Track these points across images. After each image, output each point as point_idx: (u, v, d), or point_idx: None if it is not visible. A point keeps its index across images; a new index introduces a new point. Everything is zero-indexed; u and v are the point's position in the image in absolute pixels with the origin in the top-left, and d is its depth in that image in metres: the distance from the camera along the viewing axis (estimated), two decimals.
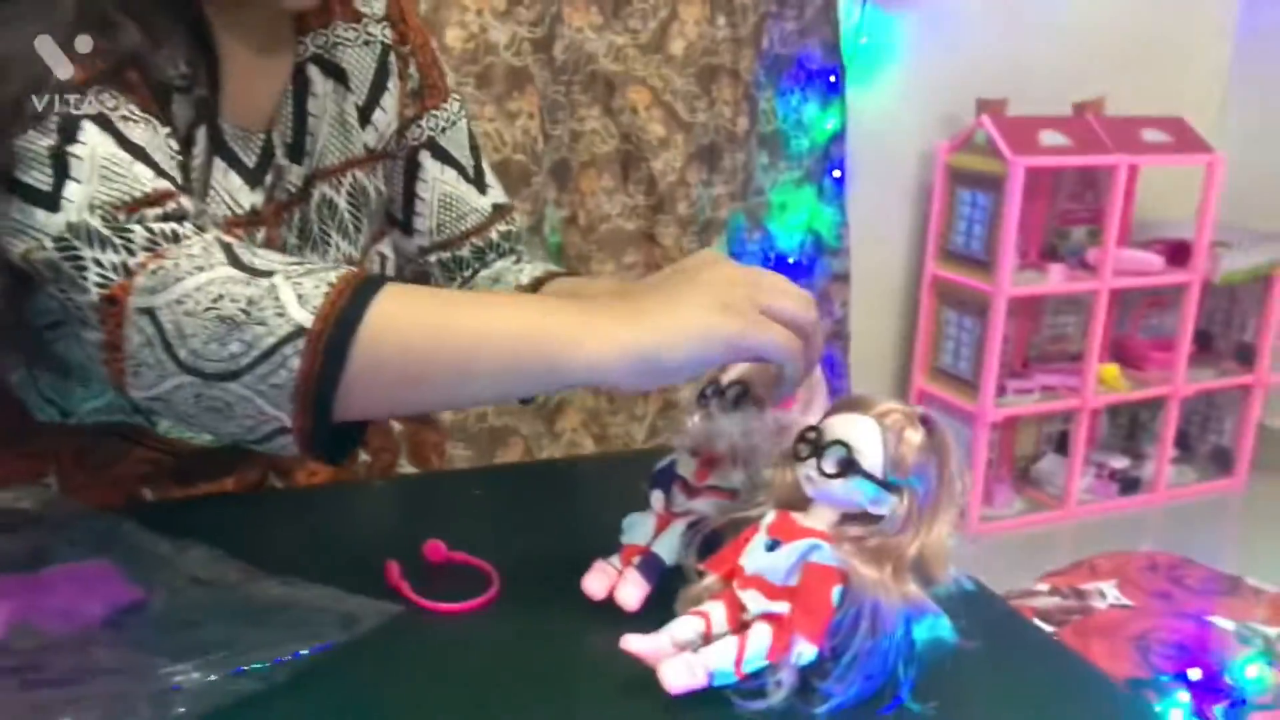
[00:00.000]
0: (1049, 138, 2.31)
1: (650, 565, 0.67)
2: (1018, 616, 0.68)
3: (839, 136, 2.30)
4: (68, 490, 0.85)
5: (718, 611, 0.62)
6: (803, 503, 0.64)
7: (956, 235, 2.42)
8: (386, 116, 0.93)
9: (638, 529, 0.70)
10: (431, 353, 0.62)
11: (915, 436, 0.61)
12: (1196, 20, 2.72)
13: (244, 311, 0.60)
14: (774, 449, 0.69)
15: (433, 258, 1.00)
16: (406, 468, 1.03)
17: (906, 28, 2.38)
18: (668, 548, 0.68)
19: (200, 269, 0.61)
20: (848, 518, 0.62)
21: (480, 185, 1.00)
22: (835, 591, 0.60)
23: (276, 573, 0.70)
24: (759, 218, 2.28)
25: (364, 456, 1.00)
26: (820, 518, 0.63)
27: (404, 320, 0.62)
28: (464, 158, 0.99)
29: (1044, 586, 1.07)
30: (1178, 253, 2.51)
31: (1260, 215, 2.55)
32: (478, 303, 0.67)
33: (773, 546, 0.62)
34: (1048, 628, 0.69)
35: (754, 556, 0.63)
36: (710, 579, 0.64)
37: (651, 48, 2.05)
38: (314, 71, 0.88)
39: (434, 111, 0.97)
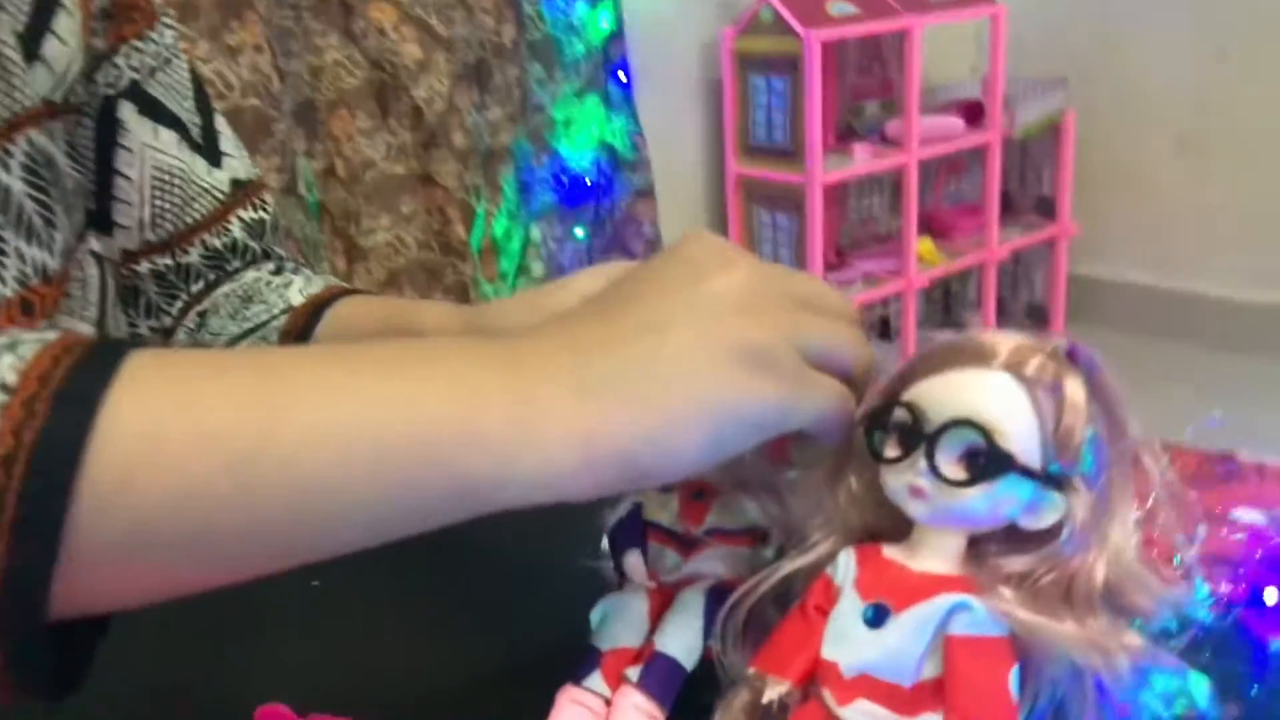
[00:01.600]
0: (837, 8, 2.13)
1: (660, 676, 0.40)
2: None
3: (617, 36, 2.03)
4: None
5: None
6: (894, 528, 0.39)
7: (755, 127, 2.22)
8: (66, 49, 0.59)
9: (622, 622, 0.42)
10: (241, 489, 0.31)
11: (1078, 391, 0.37)
12: None
13: None
14: (802, 457, 0.43)
15: (144, 266, 0.65)
16: None
17: None
18: (682, 639, 0.41)
19: None
20: (980, 541, 0.38)
21: (212, 153, 0.66)
22: (1012, 678, 0.35)
23: None
24: (544, 139, 1.99)
25: None
26: (939, 551, 0.38)
27: (177, 430, 0.31)
28: (184, 111, 0.65)
29: None
30: (972, 113, 2.41)
31: (1033, 64, 2.49)
32: (319, 372, 0.34)
33: (877, 617, 0.37)
34: None
35: (848, 640, 0.37)
36: (779, 689, 0.38)
37: None
38: None
39: (136, 43, 0.63)
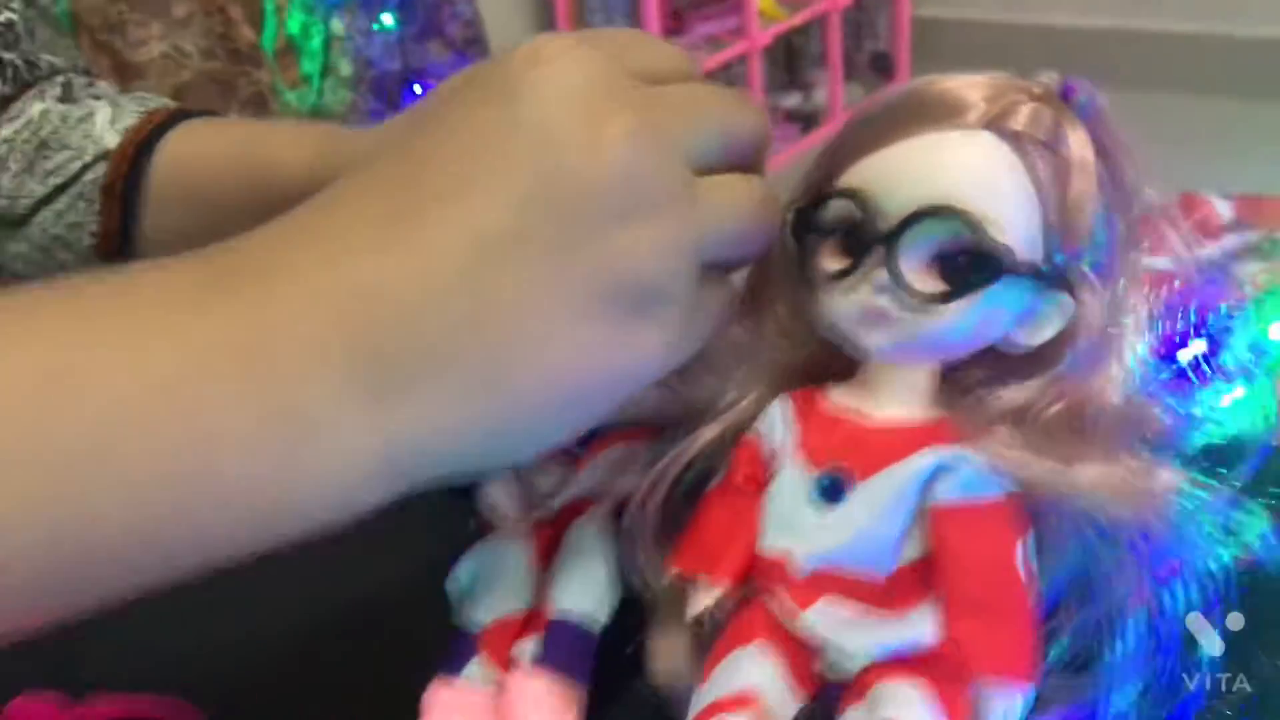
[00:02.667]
0: None
1: (565, 646, 0.29)
2: None
3: None
4: None
5: (763, 672, 0.27)
6: (838, 362, 0.29)
7: None
8: None
9: (500, 580, 0.30)
10: None
11: (1084, 145, 0.26)
12: None
13: None
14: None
15: None
16: None
17: None
18: (587, 591, 0.30)
19: None
20: (957, 368, 0.28)
21: None
22: (1021, 549, 0.26)
23: None
24: None
25: None
26: (905, 389, 0.28)
27: None
28: None
29: None
30: None
31: None
32: None
33: (833, 490, 0.27)
34: None
35: (798, 524, 0.27)
36: (710, 594, 0.28)
37: None
38: None
39: None
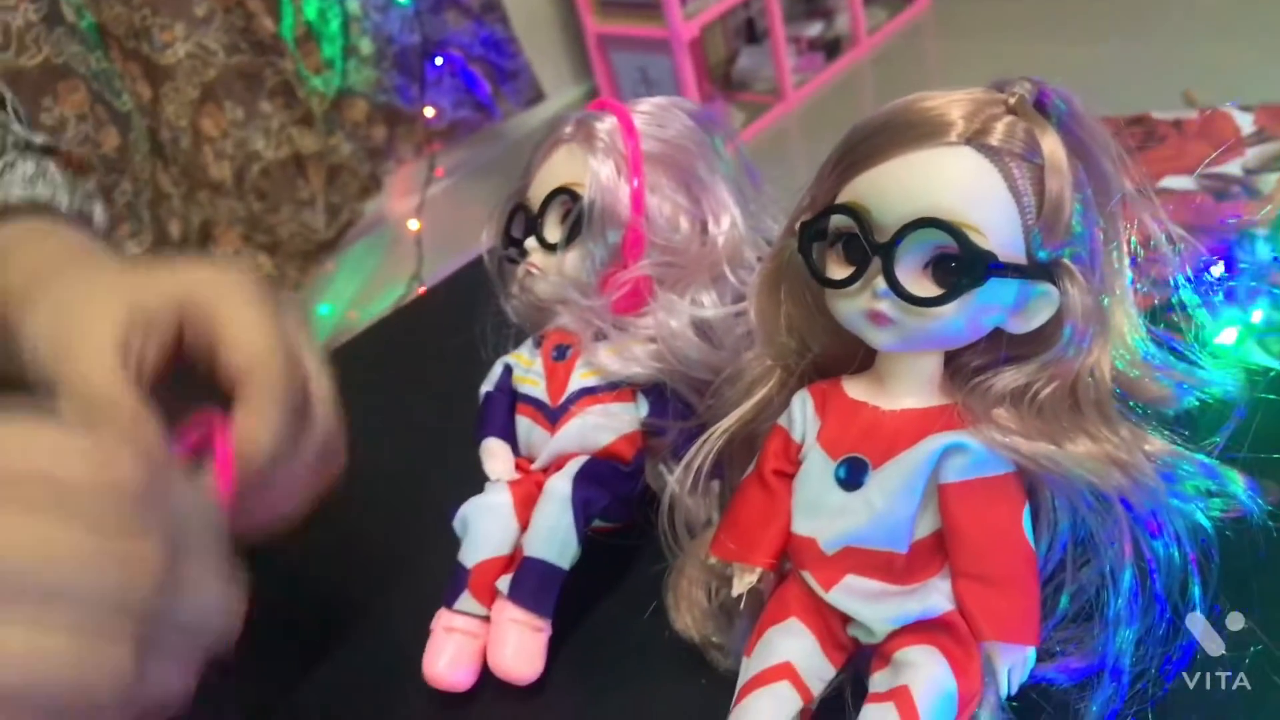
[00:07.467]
0: None
1: (532, 584, 0.34)
2: None
3: None
4: None
5: (799, 645, 0.30)
6: (853, 353, 0.32)
7: None
8: None
9: (487, 527, 0.36)
10: None
11: (1058, 149, 0.28)
12: None
13: None
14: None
15: None
16: None
17: None
18: (551, 538, 0.35)
19: None
20: (961, 354, 0.30)
21: None
22: (1025, 519, 0.29)
23: None
24: None
25: None
26: (913, 379, 0.31)
27: None
28: None
29: None
30: None
31: None
32: None
33: (852, 476, 0.30)
34: None
35: (823, 509, 0.30)
36: (749, 578, 0.31)
37: None
38: None
39: None
